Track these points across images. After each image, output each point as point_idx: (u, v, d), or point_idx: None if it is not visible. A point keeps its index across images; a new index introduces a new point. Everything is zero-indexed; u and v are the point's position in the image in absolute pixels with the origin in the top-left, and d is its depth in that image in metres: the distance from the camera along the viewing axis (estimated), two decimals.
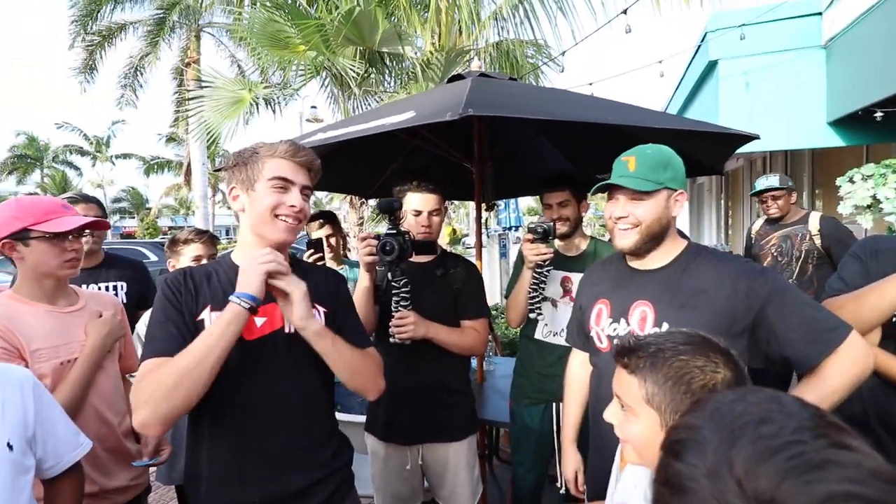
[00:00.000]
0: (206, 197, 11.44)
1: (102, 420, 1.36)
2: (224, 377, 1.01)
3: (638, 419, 0.77)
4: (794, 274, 2.87)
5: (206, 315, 1.05)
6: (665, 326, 1.13)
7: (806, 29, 4.90)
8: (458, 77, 2.09)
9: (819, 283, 2.74)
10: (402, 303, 1.56)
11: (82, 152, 27.31)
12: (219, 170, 1.94)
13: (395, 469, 1.68)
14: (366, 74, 4.99)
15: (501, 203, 9.57)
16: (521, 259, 1.85)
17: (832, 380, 1.03)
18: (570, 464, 1.46)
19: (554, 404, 1.86)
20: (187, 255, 1.95)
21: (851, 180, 3.41)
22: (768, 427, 0.40)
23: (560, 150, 2.60)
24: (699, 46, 5.97)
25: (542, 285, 1.75)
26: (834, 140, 4.83)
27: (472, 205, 3.75)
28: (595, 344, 1.29)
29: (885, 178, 3.50)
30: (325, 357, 1.05)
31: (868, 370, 1.04)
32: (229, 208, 1.16)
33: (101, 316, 1.42)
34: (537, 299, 1.75)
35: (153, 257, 8.65)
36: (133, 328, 1.83)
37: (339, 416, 1.50)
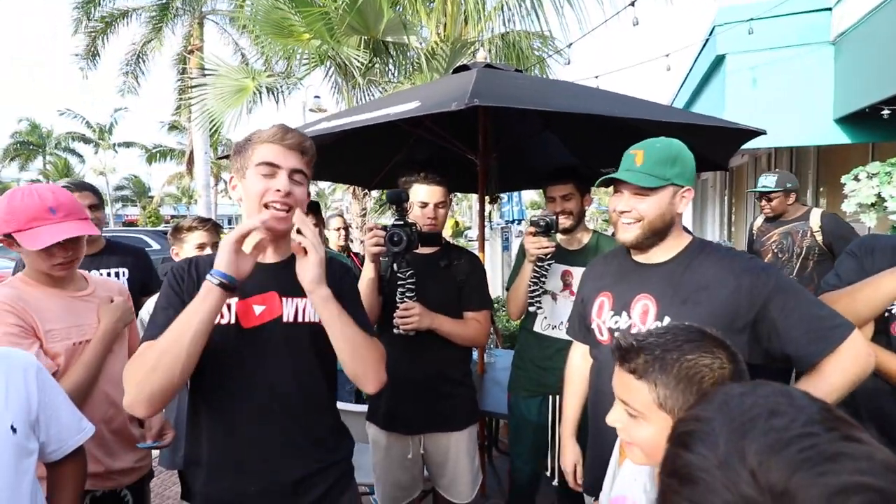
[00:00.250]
0: (209, 186, 11.42)
1: (111, 402, 1.39)
2: (219, 364, 1.02)
3: (649, 423, 0.75)
4: (795, 270, 2.87)
5: None
6: (667, 320, 1.13)
7: (815, 24, 4.84)
8: (464, 68, 2.07)
9: (819, 280, 2.74)
10: (407, 294, 1.57)
11: (85, 140, 27.29)
12: (221, 158, 1.94)
13: (397, 458, 1.69)
14: (370, 64, 4.96)
15: (504, 196, 9.55)
16: (522, 252, 1.85)
17: (832, 377, 1.02)
18: (569, 457, 1.47)
19: (551, 397, 1.86)
20: (191, 243, 1.95)
21: (856, 178, 3.40)
22: (779, 419, 0.40)
23: (565, 144, 2.59)
24: (707, 40, 5.91)
25: (543, 279, 1.75)
26: (840, 137, 4.79)
27: (474, 197, 3.74)
28: (596, 336, 1.29)
29: (890, 177, 3.48)
30: (328, 328, 1.02)
31: (869, 369, 1.04)
32: (231, 198, 1.12)
33: (112, 301, 1.44)
34: (538, 292, 1.75)
35: (155, 245, 8.66)
36: (136, 314, 1.84)
37: (340, 405, 1.51)
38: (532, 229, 1.68)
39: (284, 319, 1.08)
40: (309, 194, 1.18)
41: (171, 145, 25.07)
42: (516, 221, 9.98)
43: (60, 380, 1.23)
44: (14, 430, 0.89)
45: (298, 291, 1.05)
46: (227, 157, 1.20)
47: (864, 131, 4.63)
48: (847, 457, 0.35)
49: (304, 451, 1.09)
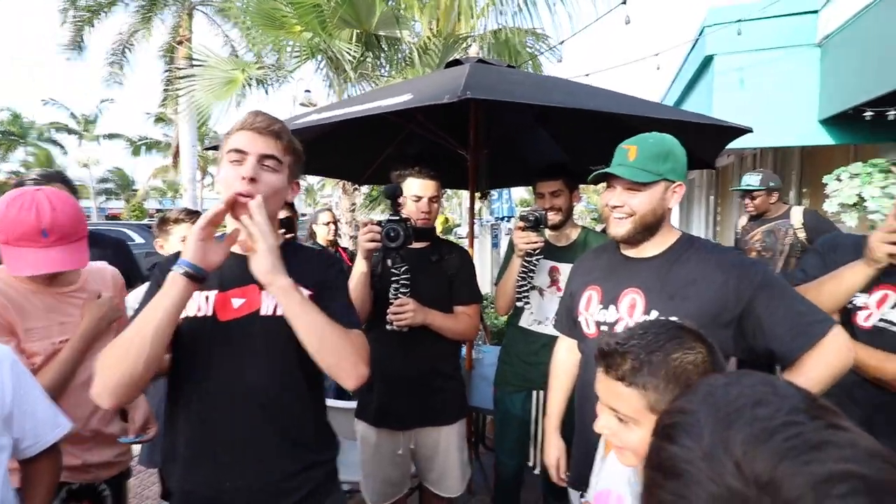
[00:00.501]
0: (195, 180, 11.23)
1: (90, 400, 1.35)
2: (194, 357, 0.99)
3: (640, 427, 0.75)
4: (779, 268, 2.92)
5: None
6: (654, 314, 1.14)
7: (801, 26, 4.92)
8: (456, 63, 2.07)
9: None
10: (401, 290, 1.57)
11: (69, 130, 26.70)
12: (208, 149, 1.91)
13: (388, 454, 1.69)
14: (362, 58, 4.92)
15: (495, 193, 9.56)
16: (511, 247, 1.86)
17: (814, 371, 1.04)
18: (553, 451, 1.47)
19: (535, 392, 1.88)
20: (177, 235, 1.92)
21: (838, 178, 3.46)
22: (764, 409, 0.40)
23: (556, 141, 2.60)
24: (696, 41, 5.97)
25: (531, 274, 1.76)
26: (824, 138, 4.88)
27: (465, 194, 3.73)
28: (583, 330, 1.30)
29: (871, 177, 3.55)
30: (291, 321, 0.96)
31: (849, 363, 1.07)
32: (219, 192, 1.06)
33: (99, 297, 1.40)
34: (525, 287, 1.76)
35: (139, 239, 8.53)
36: None
37: (328, 402, 1.50)
38: (521, 224, 1.69)
39: (263, 312, 1.04)
40: (298, 185, 1.16)
41: (157, 137, 24.67)
42: (506, 218, 10.01)
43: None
44: None
45: None
46: (213, 147, 1.18)
47: (847, 133, 4.72)
48: (832, 445, 0.36)
49: (283, 450, 1.04)
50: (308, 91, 8.55)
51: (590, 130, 2.15)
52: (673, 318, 0.83)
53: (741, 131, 1.71)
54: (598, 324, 1.25)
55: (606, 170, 1.19)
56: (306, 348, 0.98)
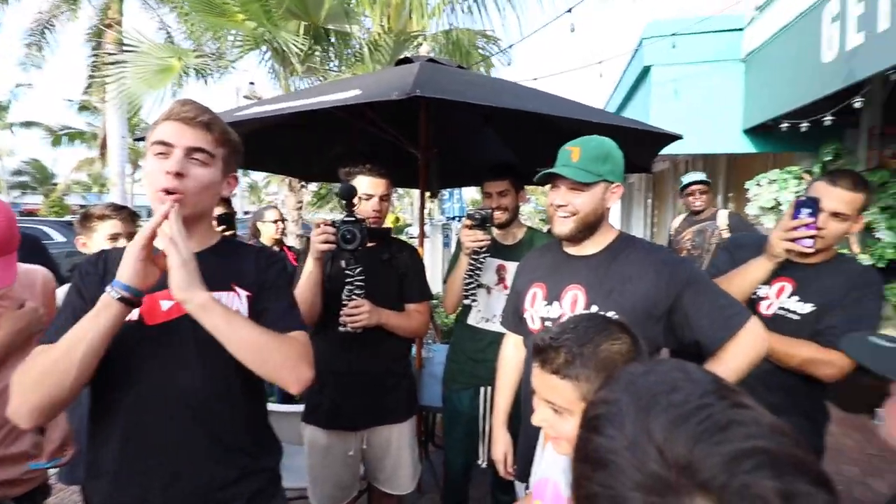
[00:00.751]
0: (124, 174, 10.46)
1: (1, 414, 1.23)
2: (121, 364, 0.93)
3: (574, 417, 0.77)
4: (705, 265, 3.16)
5: None
6: (594, 309, 1.19)
7: (729, 43, 5.31)
8: (406, 60, 2.06)
9: None
10: (356, 291, 1.54)
11: None
12: (139, 139, 1.78)
13: (339, 456, 1.66)
14: (310, 52, 4.78)
15: (446, 193, 9.61)
16: (459, 245, 1.88)
17: (733, 361, 1.13)
18: (500, 446, 1.50)
19: (483, 388, 1.91)
20: (102, 233, 1.77)
21: (758, 184, 3.78)
22: (678, 394, 0.42)
23: (504, 142, 2.65)
24: (635, 52, 6.29)
25: (478, 272, 1.79)
26: (747, 147, 5.30)
27: (415, 194, 3.72)
28: (528, 326, 1.34)
29: (786, 183, 3.90)
30: (217, 338, 0.90)
31: (764, 351, 1.17)
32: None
33: (22, 306, 1.26)
34: (473, 285, 1.79)
35: (59, 238, 7.82)
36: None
37: (271, 406, 1.45)
38: (468, 222, 1.71)
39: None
40: (235, 179, 1.08)
41: (81, 127, 22.71)
42: (457, 218, 10.08)
43: None
44: None
45: (214, 284, 0.94)
46: (143, 139, 1.09)
47: (767, 142, 5.15)
48: (738, 423, 0.38)
49: (219, 458, 0.99)
50: (252, 83, 8.21)
51: (536, 133, 2.21)
52: (611, 313, 0.87)
53: (672, 138, 1.82)
54: (543, 320, 1.28)
55: (552, 170, 1.23)
56: (239, 360, 0.93)
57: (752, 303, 1.49)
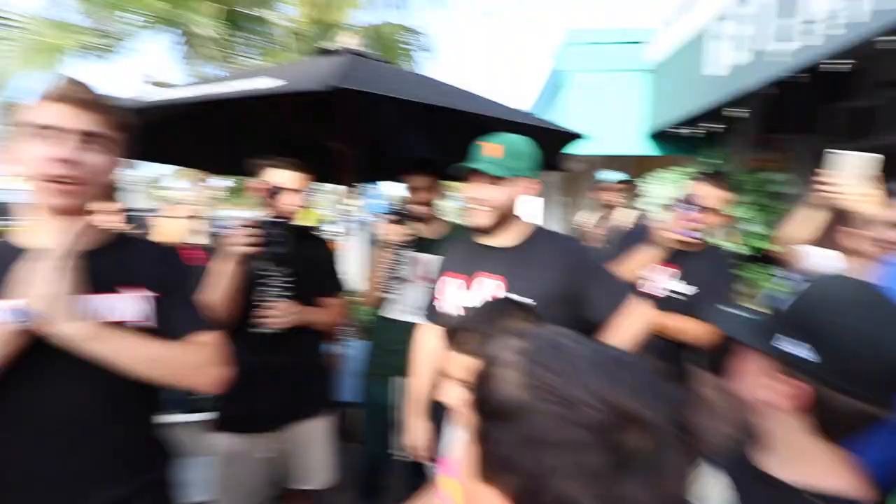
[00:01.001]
0: None
1: None
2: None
3: None
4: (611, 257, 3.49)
5: None
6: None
7: (636, 54, 5.78)
8: (329, 52, 2.03)
9: None
10: (284, 293, 1.53)
11: None
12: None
13: (249, 462, 1.60)
14: (226, 37, 4.51)
15: (368, 187, 9.48)
16: (380, 240, 1.91)
17: (619, 335, 1.28)
18: (418, 432, 1.53)
19: (398, 379, 1.93)
20: None
21: (652, 183, 4.19)
22: (572, 343, 0.46)
23: (426, 137, 2.69)
24: (555, 57, 6.64)
25: (399, 266, 1.82)
26: (651, 149, 5.81)
27: (336, 188, 3.66)
28: (445, 315, 1.39)
29: (673, 182, 4.35)
30: (107, 364, 0.84)
31: (647, 327, 1.34)
32: (17, 173, 0.85)
33: None
34: (393, 279, 1.82)
35: None
36: None
37: (173, 417, 1.37)
38: (392, 217, 1.74)
39: None
40: (129, 166, 1.03)
41: None
42: (379, 214, 9.96)
43: None
44: None
45: (99, 286, 0.88)
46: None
47: (669, 145, 5.68)
48: (626, 364, 0.43)
49: (106, 473, 0.92)
50: (156, 68, 7.57)
51: (456, 128, 2.27)
52: (523, 299, 0.95)
53: (575, 136, 2.04)
54: (459, 308, 1.34)
55: (472, 165, 1.29)
56: (146, 379, 0.89)
57: (645, 287, 1.73)
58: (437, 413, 1.26)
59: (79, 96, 0.87)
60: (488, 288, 1.31)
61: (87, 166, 0.87)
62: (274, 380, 1.59)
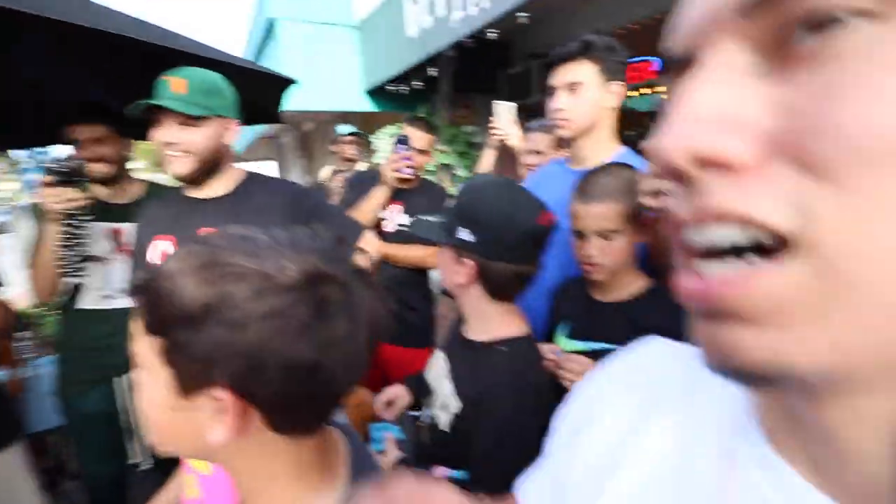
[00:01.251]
0: None
1: None
2: None
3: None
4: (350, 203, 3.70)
5: None
6: None
7: (345, 7, 5.84)
8: None
9: None
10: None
11: None
12: None
13: None
14: None
15: (26, 159, 7.04)
16: (39, 211, 1.45)
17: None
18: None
19: (119, 378, 1.61)
20: None
21: (381, 139, 4.49)
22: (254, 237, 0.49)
23: (94, 77, 2.10)
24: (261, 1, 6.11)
25: (78, 240, 1.44)
26: (371, 106, 6.13)
27: None
28: None
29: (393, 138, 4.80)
30: None
31: (376, 256, 1.50)
32: None
33: None
34: (76, 259, 1.43)
35: None
36: None
37: None
38: (49, 178, 1.33)
39: None
40: None
41: None
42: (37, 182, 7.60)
43: None
44: None
45: None
46: None
47: (384, 102, 6.09)
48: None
49: None
50: None
51: (139, 69, 1.86)
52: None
53: (288, 81, 1.96)
54: None
55: (156, 102, 1.07)
56: None
57: (379, 223, 1.96)
58: None
59: None
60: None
61: None
62: None
